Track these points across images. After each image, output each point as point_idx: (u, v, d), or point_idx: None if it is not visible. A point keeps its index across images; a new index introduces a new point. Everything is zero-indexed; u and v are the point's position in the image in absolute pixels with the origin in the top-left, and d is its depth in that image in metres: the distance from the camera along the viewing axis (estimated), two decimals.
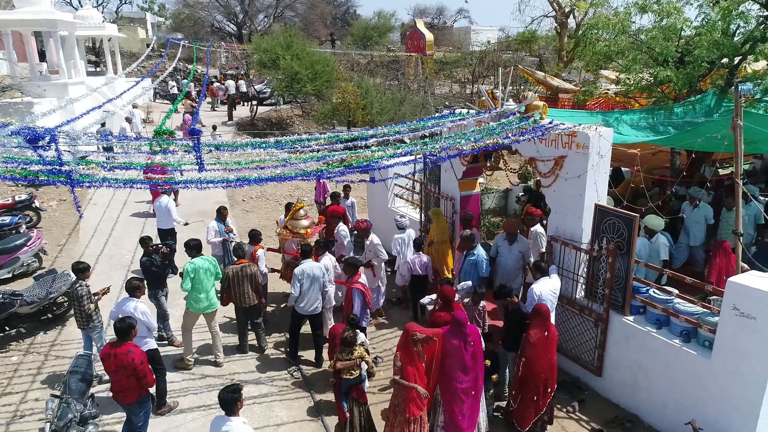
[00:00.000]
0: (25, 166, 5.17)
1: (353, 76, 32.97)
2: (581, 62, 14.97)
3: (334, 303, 8.02)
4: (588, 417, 6.47)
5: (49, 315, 8.31)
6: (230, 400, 4.57)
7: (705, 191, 9.49)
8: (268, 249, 9.15)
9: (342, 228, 9.12)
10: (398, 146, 6.70)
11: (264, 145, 6.27)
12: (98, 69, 27.29)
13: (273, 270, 8.87)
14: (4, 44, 19.07)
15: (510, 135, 6.57)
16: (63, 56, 18.64)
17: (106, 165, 5.85)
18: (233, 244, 8.85)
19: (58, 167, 5.16)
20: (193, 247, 7.52)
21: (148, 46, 42.21)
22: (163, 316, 7.94)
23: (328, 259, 7.74)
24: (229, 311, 8.95)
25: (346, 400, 5.90)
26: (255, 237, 8.31)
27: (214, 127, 19.48)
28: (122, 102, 17.53)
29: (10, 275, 9.63)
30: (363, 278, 7.33)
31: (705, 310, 5.75)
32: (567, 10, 23.72)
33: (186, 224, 10.31)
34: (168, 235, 10.07)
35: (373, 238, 8.56)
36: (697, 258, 9.25)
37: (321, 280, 7.27)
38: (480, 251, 7.60)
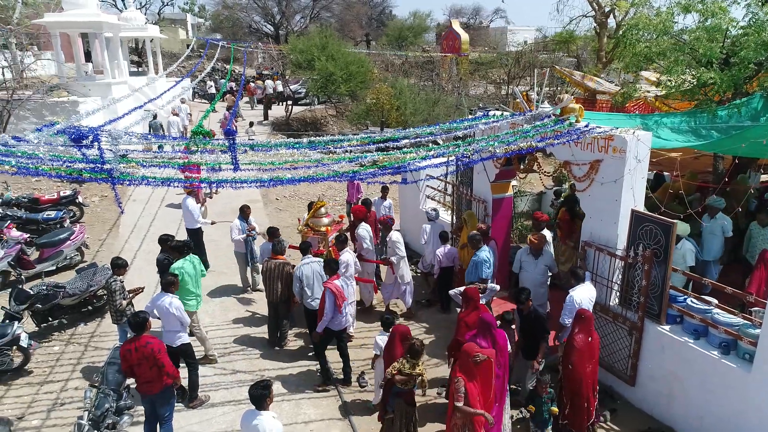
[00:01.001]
0: (69, 164, 5.38)
1: (387, 76, 33.07)
2: (620, 63, 14.59)
3: (354, 299, 8.09)
4: (619, 427, 6.33)
5: (89, 307, 8.61)
6: (260, 396, 4.67)
7: (738, 198, 9.03)
8: (290, 246, 9.29)
9: (362, 227, 8.94)
10: (430, 147, 6.70)
11: (298, 145, 6.37)
12: (140, 69, 28.05)
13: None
14: (52, 45, 19.85)
15: (544, 138, 6.48)
16: (107, 57, 19.27)
17: (145, 163, 6.03)
18: (255, 241, 9.11)
19: (100, 165, 5.35)
20: (175, 248, 7.70)
21: (188, 46, 43.29)
22: None
23: (348, 254, 7.82)
24: (256, 307, 9.16)
25: (394, 399, 5.63)
26: (273, 234, 8.42)
27: (251, 124, 19.88)
28: (162, 102, 18.10)
29: (54, 267, 10.02)
30: (340, 282, 7.04)
31: (745, 321, 5.54)
32: (607, 9, 23.24)
33: (213, 223, 10.42)
34: (195, 234, 10.10)
35: (393, 235, 8.64)
36: (709, 274, 8.20)
37: (322, 275, 7.25)
38: (481, 253, 7.45)
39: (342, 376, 7.28)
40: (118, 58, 20.55)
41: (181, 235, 10.22)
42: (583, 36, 25.67)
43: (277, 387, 7.02)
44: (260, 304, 9.08)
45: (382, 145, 6.74)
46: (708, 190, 10.51)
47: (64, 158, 5.38)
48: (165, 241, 8.10)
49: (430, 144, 7.80)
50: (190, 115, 23.22)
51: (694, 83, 9.85)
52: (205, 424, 6.45)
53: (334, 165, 6.53)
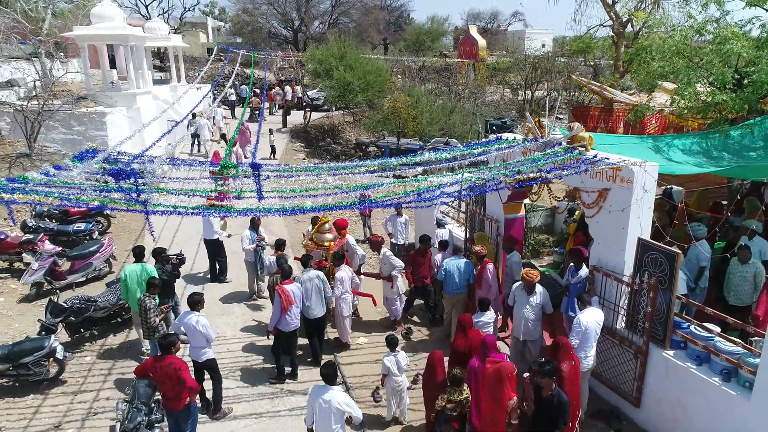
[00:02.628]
0: (107, 194, 5.80)
1: (405, 81, 33.37)
2: (635, 80, 14.75)
3: (347, 314, 8.56)
4: None
5: (119, 319, 9.07)
6: (331, 373, 5.66)
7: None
8: (294, 258, 9.84)
9: (350, 240, 9.57)
10: (444, 174, 7.00)
11: (318, 170, 6.73)
12: (162, 77, 28.75)
13: None
14: (80, 53, 20.58)
15: (554, 168, 6.74)
16: (132, 67, 19.86)
17: (175, 192, 6.44)
18: (264, 251, 9.74)
19: (135, 196, 5.77)
20: (137, 255, 8.37)
21: (209, 51, 44.11)
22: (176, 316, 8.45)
23: (343, 271, 8.37)
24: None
25: (443, 424, 6.06)
26: (280, 246, 9.09)
27: (271, 131, 20.94)
28: (183, 109, 19.03)
29: (84, 279, 10.52)
30: (293, 286, 7.62)
31: (746, 350, 5.75)
32: (624, 19, 23.25)
33: (229, 236, 10.92)
34: (213, 245, 10.71)
35: (385, 251, 9.19)
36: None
37: (318, 286, 7.89)
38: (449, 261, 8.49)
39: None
40: (143, 68, 21.15)
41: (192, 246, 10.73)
42: (601, 44, 25.64)
43: (297, 399, 7.42)
44: (267, 312, 9.58)
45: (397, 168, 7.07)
46: (722, 209, 10.63)
47: (102, 188, 5.82)
48: (159, 253, 8.78)
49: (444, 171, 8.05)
50: (225, 118, 24.54)
51: (707, 102, 9.98)
52: None
53: (352, 192, 6.90)
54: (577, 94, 30.09)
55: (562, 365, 5.91)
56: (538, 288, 7.34)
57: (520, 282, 7.48)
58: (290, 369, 7.96)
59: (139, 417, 5.98)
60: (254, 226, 10.01)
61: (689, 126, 11.98)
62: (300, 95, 29.64)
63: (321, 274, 8.03)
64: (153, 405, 6.32)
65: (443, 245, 9.38)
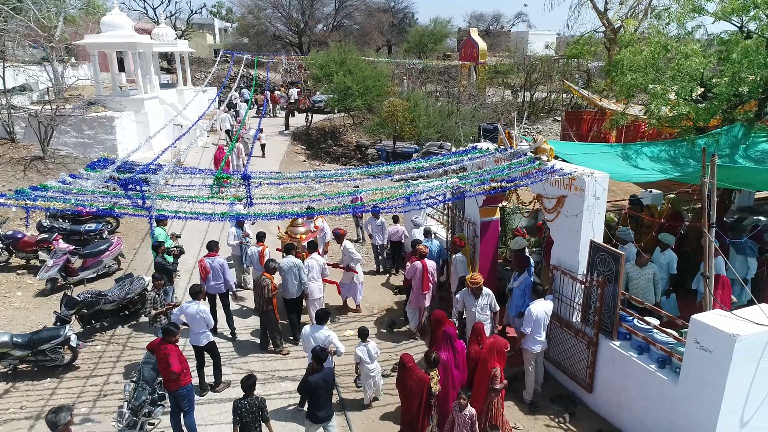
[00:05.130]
0: (115, 200, 6.64)
1: (407, 83, 34.11)
2: (613, 91, 15.50)
3: (317, 296, 9.51)
4: (576, 428, 7.34)
5: (126, 312, 9.91)
6: (324, 315, 7.33)
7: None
8: (277, 249, 10.98)
9: (347, 245, 10.46)
10: (418, 183, 7.79)
11: (305, 178, 7.55)
12: (169, 80, 29.66)
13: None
14: (89, 58, 21.59)
15: (515, 178, 7.52)
16: (140, 73, 20.76)
17: (176, 198, 7.28)
18: (249, 247, 10.64)
19: (141, 202, 6.61)
20: (166, 251, 9.94)
21: (215, 52, 45.03)
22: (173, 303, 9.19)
23: (313, 259, 9.43)
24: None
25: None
26: (261, 238, 10.31)
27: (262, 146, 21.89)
28: (188, 112, 20.08)
29: (94, 275, 11.38)
30: (209, 260, 9.20)
31: (677, 341, 6.50)
32: (616, 26, 23.93)
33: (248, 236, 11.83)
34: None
35: (346, 243, 10.29)
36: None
37: (294, 271, 9.06)
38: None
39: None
40: (150, 73, 22.03)
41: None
42: (594, 49, 26.32)
43: (286, 385, 8.24)
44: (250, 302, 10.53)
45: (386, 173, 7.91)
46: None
47: (111, 195, 6.67)
48: (157, 247, 9.77)
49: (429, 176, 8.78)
50: (237, 114, 25.90)
51: (672, 115, 10.69)
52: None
53: (336, 198, 7.74)
54: (574, 96, 30.82)
55: (471, 348, 6.92)
56: (485, 290, 8.03)
57: (467, 288, 8.10)
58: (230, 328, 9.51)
59: (143, 396, 6.82)
60: (239, 224, 11.08)
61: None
62: (305, 97, 30.48)
63: (299, 261, 9.22)
64: (156, 386, 7.16)
65: (426, 232, 10.63)
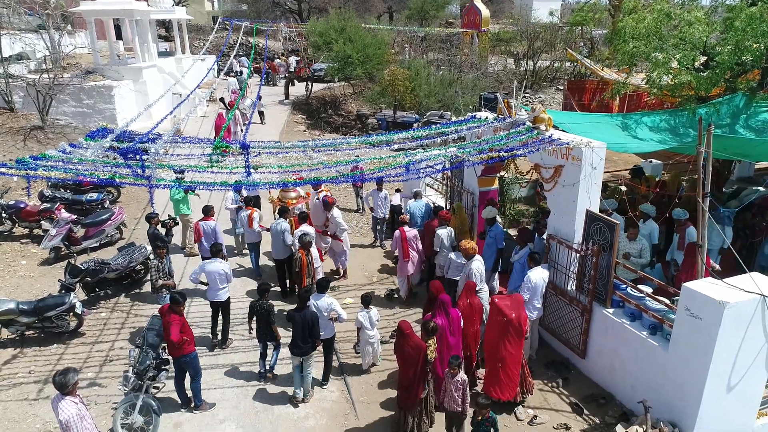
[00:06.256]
0: (116, 170, 6.70)
1: (408, 51, 33.64)
2: (616, 60, 15.33)
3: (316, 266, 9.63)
4: (569, 392, 7.54)
5: (129, 280, 10.08)
6: (325, 283, 7.55)
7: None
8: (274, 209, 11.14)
9: (335, 213, 10.46)
10: (416, 152, 7.81)
11: (304, 147, 7.59)
12: (167, 48, 29.33)
13: (266, 229, 10.41)
14: (86, 26, 21.32)
15: (513, 147, 7.54)
16: (138, 41, 20.52)
17: (176, 167, 7.33)
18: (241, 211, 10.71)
19: (141, 172, 6.67)
20: (160, 223, 10.16)
21: (213, 19, 44.29)
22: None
23: (305, 226, 9.54)
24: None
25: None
26: (249, 202, 10.65)
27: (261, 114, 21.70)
28: (186, 80, 19.96)
29: (97, 244, 11.51)
30: (203, 224, 9.66)
31: (668, 308, 6.63)
32: None
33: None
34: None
35: (334, 211, 10.27)
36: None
37: (282, 236, 9.50)
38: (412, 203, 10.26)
39: None
40: (148, 41, 21.77)
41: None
42: (598, 16, 25.85)
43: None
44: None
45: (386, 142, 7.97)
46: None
47: (112, 164, 6.73)
48: (151, 218, 9.86)
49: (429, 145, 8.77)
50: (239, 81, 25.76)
51: (674, 84, 10.60)
52: (227, 379, 7.88)
53: (335, 167, 7.80)
54: (578, 65, 30.41)
55: (460, 302, 7.18)
56: (477, 256, 8.13)
57: (458, 252, 8.46)
58: None
59: (148, 360, 6.99)
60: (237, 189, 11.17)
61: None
62: (305, 66, 30.12)
63: (287, 225, 9.61)
64: (161, 351, 7.34)
65: (417, 195, 10.79)
